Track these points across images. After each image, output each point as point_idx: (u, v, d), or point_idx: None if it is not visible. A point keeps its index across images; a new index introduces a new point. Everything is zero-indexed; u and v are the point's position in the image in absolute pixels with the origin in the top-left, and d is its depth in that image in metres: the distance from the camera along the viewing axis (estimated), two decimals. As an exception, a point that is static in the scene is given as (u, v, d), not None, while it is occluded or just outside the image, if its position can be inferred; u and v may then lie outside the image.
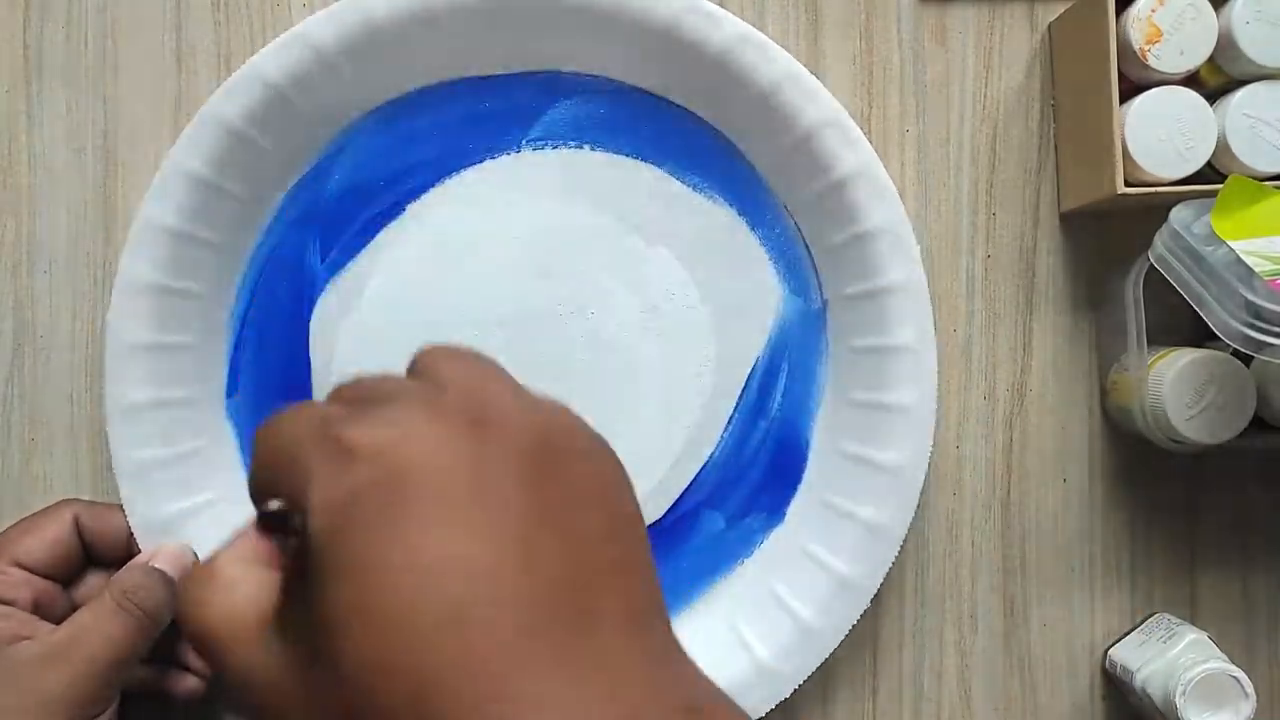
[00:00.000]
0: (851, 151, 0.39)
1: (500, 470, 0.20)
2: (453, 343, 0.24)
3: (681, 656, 0.21)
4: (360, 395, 0.22)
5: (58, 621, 0.36)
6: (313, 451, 0.20)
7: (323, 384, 0.41)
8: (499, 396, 0.22)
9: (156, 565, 0.37)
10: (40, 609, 0.36)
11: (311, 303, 0.41)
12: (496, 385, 0.22)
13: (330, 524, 0.19)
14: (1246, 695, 0.38)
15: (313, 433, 0.21)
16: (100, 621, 0.35)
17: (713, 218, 0.41)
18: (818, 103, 0.39)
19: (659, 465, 0.41)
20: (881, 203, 0.39)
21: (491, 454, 0.20)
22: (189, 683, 0.39)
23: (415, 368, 0.24)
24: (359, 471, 0.19)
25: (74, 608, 0.36)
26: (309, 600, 0.19)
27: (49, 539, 0.37)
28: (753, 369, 0.42)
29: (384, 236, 0.41)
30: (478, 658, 0.18)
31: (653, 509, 0.41)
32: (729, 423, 0.42)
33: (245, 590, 0.22)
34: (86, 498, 0.41)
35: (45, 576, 0.37)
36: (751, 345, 0.42)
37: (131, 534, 0.39)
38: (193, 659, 0.39)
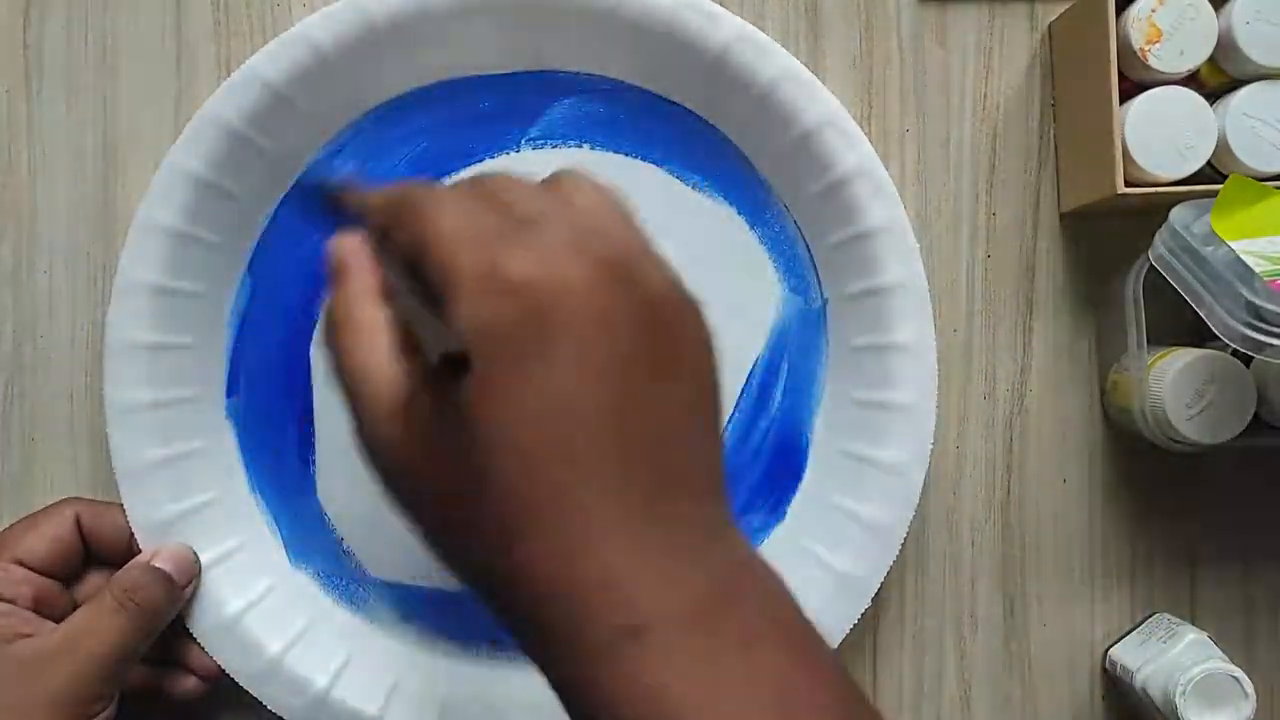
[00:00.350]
0: (851, 150, 0.39)
1: (628, 321, 0.22)
2: (589, 173, 0.25)
3: (733, 528, 0.24)
4: (511, 206, 0.24)
5: (58, 620, 0.36)
6: (469, 262, 0.22)
7: (323, 384, 0.41)
8: (637, 248, 0.24)
9: (157, 564, 0.37)
10: (41, 607, 0.36)
11: (312, 303, 0.41)
12: (636, 237, 0.24)
13: (485, 348, 0.22)
14: (1246, 695, 0.38)
15: (473, 238, 0.23)
16: (101, 619, 0.35)
17: (713, 217, 0.41)
18: (817, 101, 0.39)
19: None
20: (881, 202, 0.39)
21: (624, 304, 0.22)
22: (188, 683, 0.39)
23: (559, 186, 0.25)
24: (513, 304, 0.22)
25: (75, 606, 0.36)
26: (455, 394, 0.22)
27: (50, 537, 0.37)
28: (753, 368, 0.42)
29: (384, 236, 0.41)
30: (571, 501, 0.22)
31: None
32: (729, 421, 0.42)
33: (385, 340, 0.25)
34: (87, 497, 0.41)
35: (46, 575, 0.37)
36: (752, 344, 0.42)
37: (132, 533, 0.39)
38: (193, 659, 0.39)
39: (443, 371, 0.22)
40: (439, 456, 0.23)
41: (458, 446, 0.22)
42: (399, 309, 0.25)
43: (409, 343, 0.25)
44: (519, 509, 0.22)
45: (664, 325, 0.23)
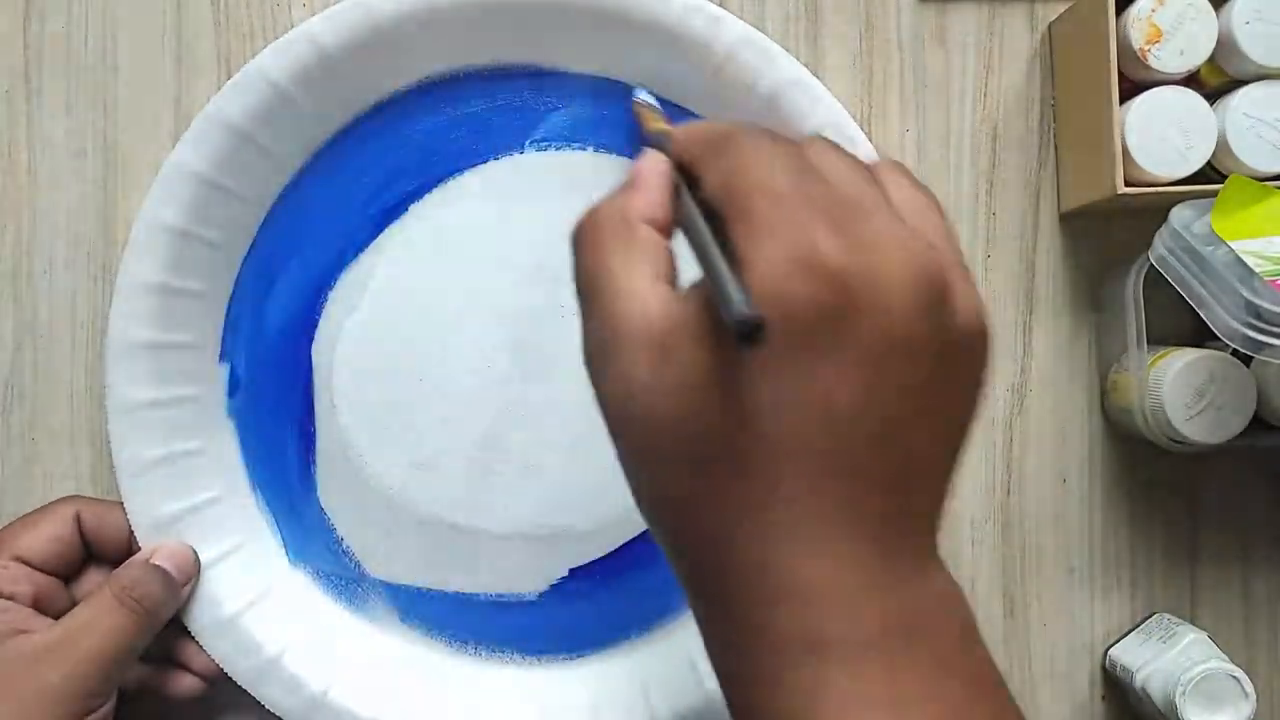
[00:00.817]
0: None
1: (930, 352, 0.21)
2: (908, 169, 0.25)
3: (938, 559, 0.23)
4: (833, 184, 0.22)
5: (57, 617, 0.36)
6: (787, 233, 0.21)
7: (324, 384, 0.41)
8: (954, 265, 0.22)
9: (157, 562, 0.37)
10: (40, 604, 0.36)
11: (313, 302, 0.41)
12: (954, 250, 0.23)
13: (783, 327, 0.20)
14: (1246, 695, 0.38)
15: (794, 207, 0.21)
16: (100, 616, 0.35)
17: (715, 218, 0.41)
18: (821, 107, 0.39)
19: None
20: None
21: (931, 332, 0.21)
22: (187, 682, 0.39)
23: (880, 174, 0.24)
24: (823, 292, 0.20)
25: (74, 604, 0.36)
26: (736, 357, 0.21)
27: (49, 535, 0.37)
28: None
29: (386, 236, 0.41)
30: (816, 506, 0.21)
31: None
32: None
33: (652, 266, 0.23)
34: (87, 496, 0.41)
35: (46, 572, 0.37)
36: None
37: (132, 531, 0.39)
38: (191, 658, 0.39)
39: (726, 330, 0.21)
40: (695, 404, 0.22)
41: (721, 406, 0.21)
42: (693, 243, 0.23)
43: (669, 278, 0.24)
44: (765, 494, 0.21)
45: (959, 363, 0.22)
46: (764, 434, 0.21)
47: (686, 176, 0.25)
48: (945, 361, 0.22)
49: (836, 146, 0.24)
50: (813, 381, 0.21)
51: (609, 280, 0.23)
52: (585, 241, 0.25)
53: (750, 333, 0.20)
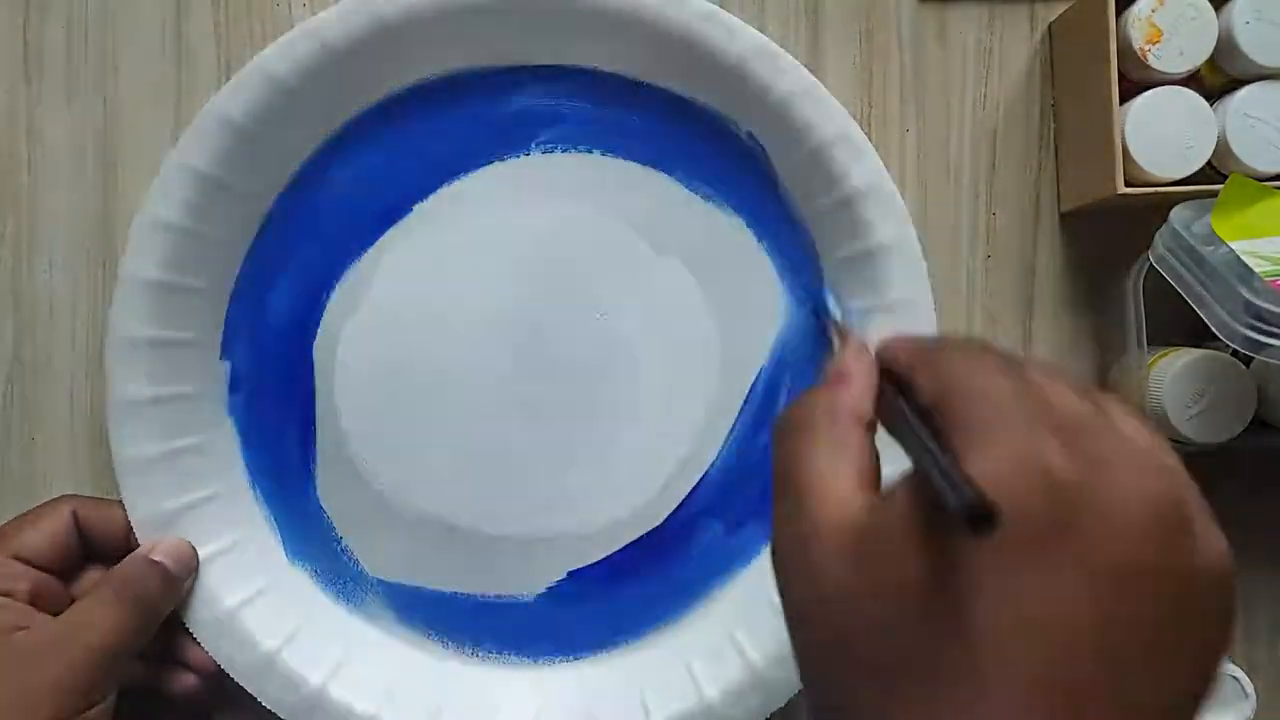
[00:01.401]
0: (862, 166, 0.39)
1: (1158, 579, 0.19)
2: (1126, 404, 0.23)
3: None
4: (1053, 404, 0.21)
5: (56, 614, 0.36)
6: (1009, 439, 0.20)
7: (325, 383, 0.41)
8: (1192, 499, 0.20)
9: (155, 558, 0.37)
10: (39, 601, 0.36)
11: (315, 300, 0.41)
12: (1192, 488, 0.21)
13: (1012, 539, 0.19)
14: (1246, 695, 0.38)
15: (1015, 417, 0.20)
16: (99, 611, 0.35)
17: (721, 227, 0.41)
18: (830, 117, 0.39)
19: (662, 471, 0.41)
20: (891, 220, 0.39)
21: (1162, 558, 0.19)
22: (187, 681, 0.39)
23: (1103, 405, 0.22)
24: (1047, 499, 0.19)
25: (72, 601, 0.36)
26: (956, 548, 0.20)
27: (48, 533, 0.37)
28: (756, 378, 0.41)
29: (390, 236, 0.41)
30: None
31: (654, 515, 0.41)
32: (732, 431, 0.41)
33: (853, 464, 0.22)
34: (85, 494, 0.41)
35: (44, 570, 0.37)
36: (756, 354, 0.41)
37: (130, 529, 0.39)
38: (190, 655, 0.39)
39: (952, 520, 0.19)
40: (899, 609, 0.20)
41: (928, 612, 0.20)
42: (903, 442, 0.22)
43: (872, 477, 0.23)
44: (967, 711, 0.19)
45: (1198, 602, 0.20)
46: (973, 645, 0.19)
47: (895, 382, 0.24)
48: (1183, 598, 0.20)
49: (1058, 370, 0.23)
50: (1035, 595, 0.19)
51: (813, 479, 0.23)
52: (791, 431, 0.24)
53: (982, 519, 0.18)
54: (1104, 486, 0.20)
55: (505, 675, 0.41)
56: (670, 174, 0.41)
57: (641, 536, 0.41)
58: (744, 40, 0.38)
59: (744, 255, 0.41)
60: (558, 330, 0.41)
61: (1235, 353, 0.39)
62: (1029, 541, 0.19)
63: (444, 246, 0.41)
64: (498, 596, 0.41)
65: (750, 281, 0.41)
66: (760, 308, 0.41)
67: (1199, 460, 0.43)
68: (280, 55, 0.38)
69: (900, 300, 0.39)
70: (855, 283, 0.40)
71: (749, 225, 0.41)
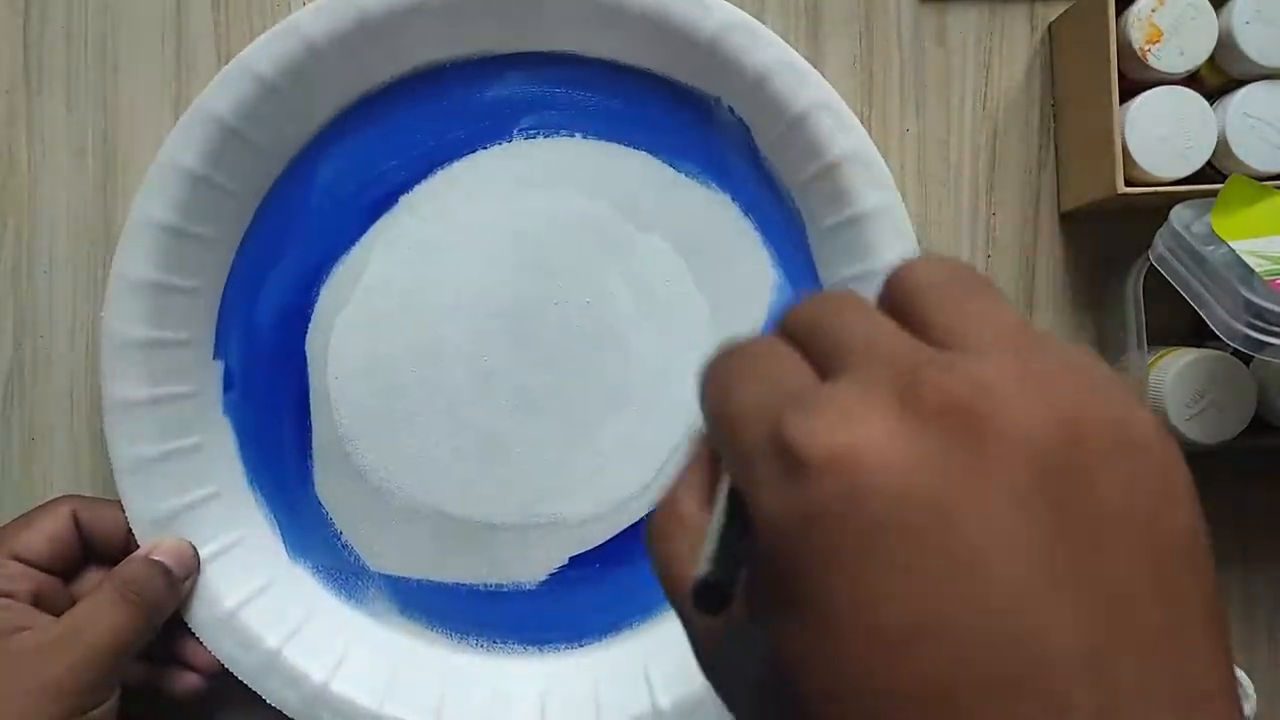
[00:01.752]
0: (844, 134, 0.39)
1: (996, 498, 0.15)
2: (946, 265, 0.19)
3: None
4: (820, 346, 0.18)
5: (57, 615, 0.36)
6: (758, 442, 0.17)
7: (318, 378, 0.41)
8: (1001, 381, 0.16)
9: (157, 558, 0.37)
10: (40, 602, 0.36)
11: (306, 295, 0.41)
12: (999, 361, 0.17)
13: (778, 545, 0.16)
14: (1247, 695, 0.38)
15: (761, 412, 0.17)
16: (102, 611, 0.35)
17: (706, 204, 0.41)
18: (809, 86, 0.39)
19: (657, 454, 0.41)
20: (875, 186, 0.39)
21: (984, 475, 0.16)
22: (189, 680, 0.39)
23: (894, 298, 0.19)
24: (810, 490, 0.16)
25: (73, 602, 0.36)
26: (757, 605, 0.17)
27: (47, 533, 0.37)
28: (750, 356, 0.42)
29: (377, 228, 0.41)
30: None
31: (652, 497, 0.41)
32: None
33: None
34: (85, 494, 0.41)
35: (44, 570, 0.37)
36: (749, 330, 0.41)
37: (130, 529, 0.39)
38: (192, 654, 0.39)
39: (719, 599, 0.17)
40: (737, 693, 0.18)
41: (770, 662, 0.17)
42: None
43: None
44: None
45: (1069, 486, 0.16)
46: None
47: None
48: (1011, 483, 0.16)
49: (853, 298, 0.19)
50: (852, 611, 0.16)
51: (661, 570, 0.21)
52: (646, 538, 0.22)
53: (709, 596, 0.17)
54: (867, 441, 0.16)
55: (509, 664, 0.41)
56: (654, 154, 0.41)
57: (640, 519, 0.41)
58: (719, 14, 0.39)
59: (731, 231, 0.41)
60: (548, 315, 0.41)
61: (1235, 352, 0.39)
62: (817, 575, 0.16)
63: (431, 237, 0.41)
64: (499, 585, 0.41)
65: (739, 258, 0.41)
66: (750, 284, 0.41)
67: (1199, 460, 0.43)
68: (262, 52, 0.38)
69: (889, 266, 0.39)
70: (843, 251, 0.40)
71: (735, 201, 0.41)
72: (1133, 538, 0.16)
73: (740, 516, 0.18)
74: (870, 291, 0.20)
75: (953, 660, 0.15)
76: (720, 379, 0.19)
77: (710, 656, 0.20)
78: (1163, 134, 0.38)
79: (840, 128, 0.39)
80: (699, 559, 0.18)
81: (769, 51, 0.39)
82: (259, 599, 0.40)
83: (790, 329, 0.19)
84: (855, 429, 0.16)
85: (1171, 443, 0.17)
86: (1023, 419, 0.16)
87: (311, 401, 0.41)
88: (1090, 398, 0.16)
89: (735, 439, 0.18)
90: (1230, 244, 0.35)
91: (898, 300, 0.19)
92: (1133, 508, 0.16)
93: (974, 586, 0.15)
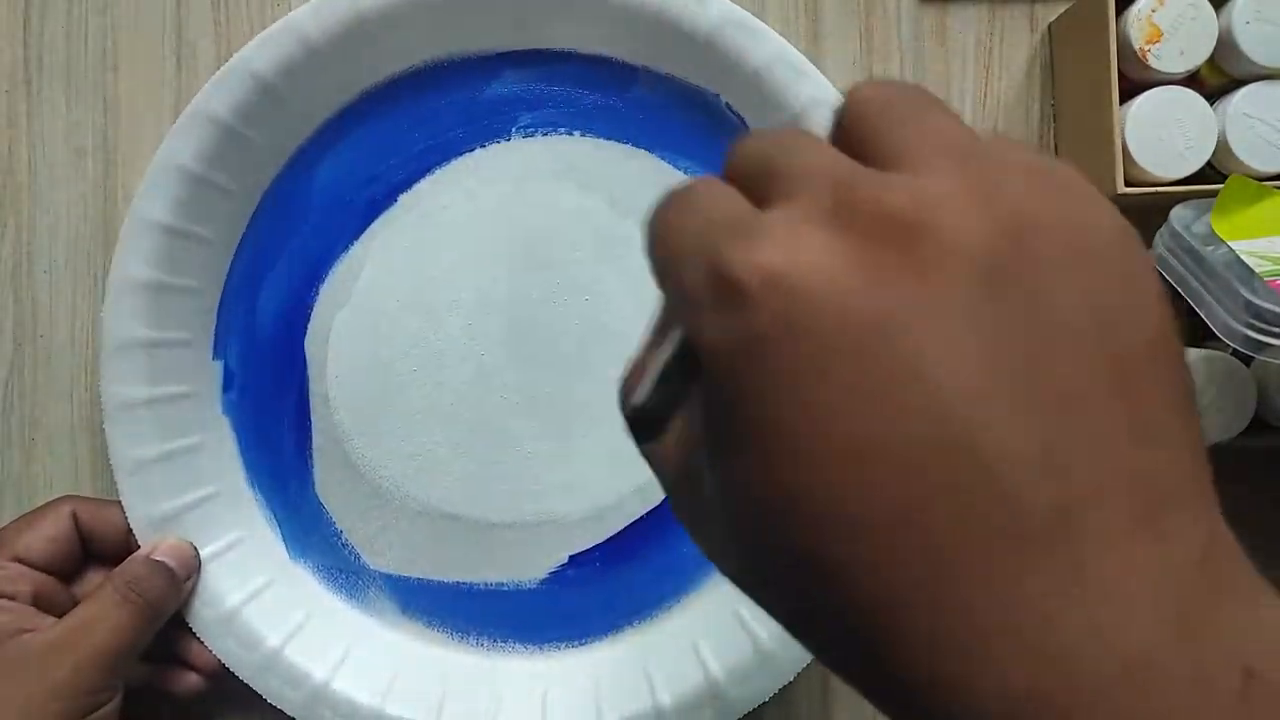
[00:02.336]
0: None
1: (936, 309, 0.15)
2: (892, 86, 0.18)
3: (1238, 572, 0.16)
4: (760, 179, 0.18)
5: (58, 616, 0.36)
6: (696, 276, 0.16)
7: (318, 377, 0.41)
8: (941, 191, 0.16)
9: (158, 558, 0.37)
10: (41, 603, 0.36)
11: (305, 294, 0.41)
12: (940, 171, 0.16)
13: (721, 376, 0.16)
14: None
15: (698, 246, 0.17)
16: (104, 611, 0.35)
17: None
18: (808, 82, 0.39)
19: (658, 453, 0.41)
20: None
21: (923, 288, 0.15)
22: (190, 680, 0.39)
23: (840, 126, 0.18)
24: (749, 317, 0.15)
25: (74, 603, 0.37)
26: (710, 447, 0.17)
27: (48, 535, 0.37)
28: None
29: (377, 226, 0.41)
30: (917, 568, 0.15)
31: (652, 495, 0.41)
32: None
33: None
34: (85, 495, 0.41)
35: (45, 572, 0.37)
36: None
37: (130, 530, 0.39)
38: (193, 655, 0.39)
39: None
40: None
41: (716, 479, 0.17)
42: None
43: None
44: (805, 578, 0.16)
45: (1015, 292, 0.15)
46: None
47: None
48: (953, 295, 0.15)
49: (799, 134, 0.19)
50: (791, 433, 0.16)
51: None
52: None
53: (641, 430, 0.18)
54: (806, 263, 0.15)
55: (510, 663, 0.41)
56: (652, 151, 0.41)
57: (641, 517, 0.41)
58: (718, 11, 0.39)
59: None
60: (547, 314, 0.41)
61: (1235, 353, 0.39)
62: (754, 401, 0.16)
63: (430, 235, 0.41)
64: (500, 584, 0.41)
65: None
66: None
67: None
68: (260, 51, 0.38)
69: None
70: None
71: None
72: (1086, 346, 0.15)
73: (690, 362, 0.17)
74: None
75: (904, 474, 0.15)
76: (660, 221, 0.18)
77: (682, 510, 0.20)
78: (1163, 134, 0.38)
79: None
80: (626, 382, 0.18)
81: (768, 48, 0.39)
82: (259, 599, 0.40)
83: (732, 167, 0.19)
84: (791, 251, 0.15)
85: (1135, 246, 0.17)
86: (963, 228, 0.15)
87: (311, 401, 0.41)
88: (1042, 202, 0.16)
89: (674, 276, 0.17)
90: (1230, 244, 0.35)
91: (843, 127, 0.18)
92: (1085, 317, 0.15)
93: (918, 398, 0.15)
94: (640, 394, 0.17)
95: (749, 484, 0.16)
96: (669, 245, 0.18)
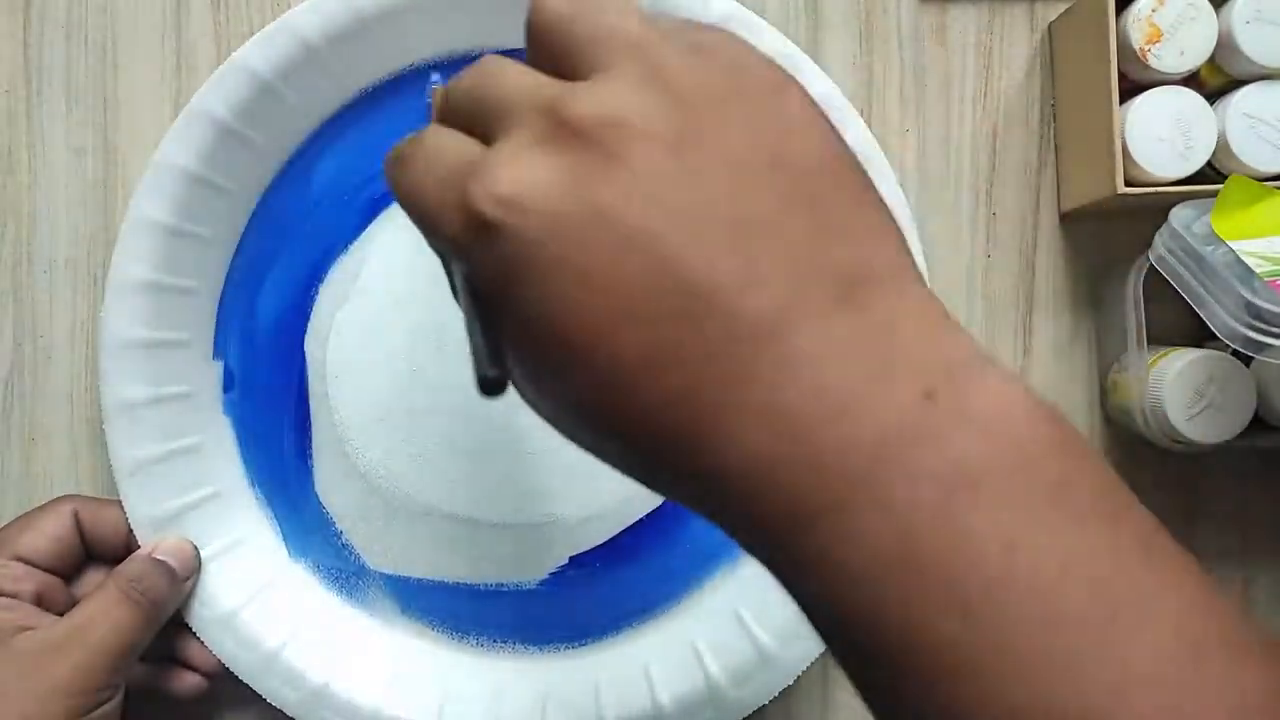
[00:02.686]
0: (845, 129, 0.39)
1: (636, 187, 0.18)
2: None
3: (930, 315, 0.19)
4: (479, 117, 0.21)
5: (59, 615, 0.36)
6: (453, 222, 0.20)
7: (318, 377, 0.41)
8: (622, 93, 0.19)
9: (159, 557, 0.37)
10: (42, 602, 0.36)
11: (305, 294, 0.41)
12: (622, 74, 0.19)
13: (494, 303, 0.20)
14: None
15: (446, 196, 0.20)
16: (106, 610, 0.35)
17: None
18: (808, 79, 0.39)
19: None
20: (876, 181, 0.39)
21: (624, 172, 0.18)
22: (190, 680, 0.39)
23: (533, 45, 0.21)
24: (499, 243, 0.19)
25: (75, 602, 0.37)
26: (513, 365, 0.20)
27: (49, 534, 0.37)
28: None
29: (377, 226, 0.41)
30: (675, 380, 0.18)
31: (653, 496, 0.41)
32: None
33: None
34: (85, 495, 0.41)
35: (46, 571, 0.37)
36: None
37: (130, 530, 0.39)
38: (193, 655, 0.39)
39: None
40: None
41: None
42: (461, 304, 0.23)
43: None
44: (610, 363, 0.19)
45: (712, 122, 0.19)
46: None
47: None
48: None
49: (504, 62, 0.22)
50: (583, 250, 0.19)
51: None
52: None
53: (491, 388, 0.20)
54: (530, 184, 0.19)
55: (510, 664, 0.41)
56: None
57: (642, 518, 0.41)
58: (718, 7, 0.39)
59: None
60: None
61: (1235, 353, 0.39)
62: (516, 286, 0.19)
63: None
64: (500, 585, 0.41)
65: None
66: None
67: (1199, 460, 0.43)
68: (259, 50, 0.38)
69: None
70: None
71: None
72: (765, 178, 0.19)
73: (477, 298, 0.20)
74: None
75: (648, 323, 0.18)
76: (402, 183, 0.21)
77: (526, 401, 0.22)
78: (1163, 134, 0.38)
79: (841, 122, 0.39)
80: (472, 357, 0.20)
81: (766, 44, 0.39)
82: (259, 599, 0.40)
83: (449, 109, 0.22)
84: (515, 176, 0.19)
85: (785, 88, 0.20)
86: (641, 114, 0.19)
87: (311, 401, 0.41)
88: (705, 74, 0.19)
89: (437, 230, 0.20)
90: (1230, 244, 0.35)
91: (537, 46, 0.21)
92: (760, 155, 0.19)
93: (637, 260, 0.18)
94: (480, 367, 0.20)
95: (539, 366, 0.20)
96: (421, 204, 0.21)
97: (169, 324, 0.39)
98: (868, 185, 0.20)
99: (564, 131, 0.19)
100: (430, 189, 0.20)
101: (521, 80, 0.20)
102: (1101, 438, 0.43)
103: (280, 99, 0.39)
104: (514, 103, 0.20)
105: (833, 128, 0.20)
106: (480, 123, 0.21)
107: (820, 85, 0.39)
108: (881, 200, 0.20)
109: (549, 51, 0.21)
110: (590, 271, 0.18)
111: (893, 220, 0.20)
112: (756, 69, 0.20)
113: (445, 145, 0.21)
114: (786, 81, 0.20)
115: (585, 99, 0.19)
